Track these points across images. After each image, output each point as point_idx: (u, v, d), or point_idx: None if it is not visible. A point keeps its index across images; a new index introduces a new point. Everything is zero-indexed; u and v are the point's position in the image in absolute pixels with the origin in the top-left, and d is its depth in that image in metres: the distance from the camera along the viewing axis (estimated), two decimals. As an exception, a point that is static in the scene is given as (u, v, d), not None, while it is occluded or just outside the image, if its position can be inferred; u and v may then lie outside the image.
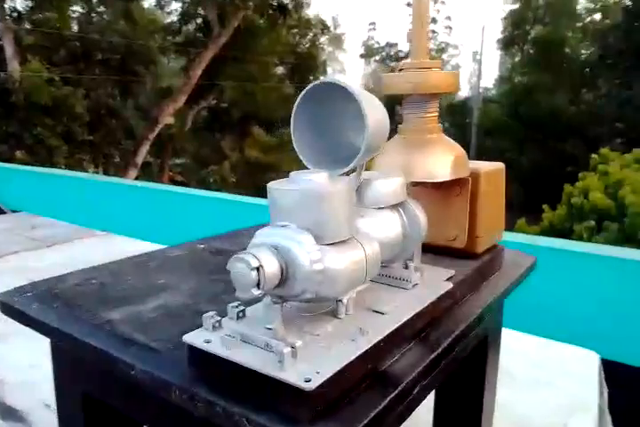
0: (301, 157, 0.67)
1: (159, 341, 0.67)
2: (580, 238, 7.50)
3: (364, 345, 0.58)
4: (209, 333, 0.60)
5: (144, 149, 15.20)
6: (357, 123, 0.61)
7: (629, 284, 2.13)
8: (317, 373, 0.53)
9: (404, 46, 21.69)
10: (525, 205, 14.27)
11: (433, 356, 0.65)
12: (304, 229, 0.56)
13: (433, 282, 0.75)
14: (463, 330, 0.73)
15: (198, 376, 0.60)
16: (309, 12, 18.80)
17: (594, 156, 10.34)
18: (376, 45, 21.96)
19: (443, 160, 0.84)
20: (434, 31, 21.04)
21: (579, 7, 18.51)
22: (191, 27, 16.67)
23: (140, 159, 15.21)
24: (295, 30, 18.21)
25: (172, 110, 15.29)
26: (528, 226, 10.24)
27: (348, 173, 0.65)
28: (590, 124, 16.14)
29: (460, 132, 18.34)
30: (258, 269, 0.53)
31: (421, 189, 0.93)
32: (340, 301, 0.62)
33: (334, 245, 0.57)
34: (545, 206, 9.81)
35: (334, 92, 0.62)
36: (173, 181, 16.78)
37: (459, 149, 0.88)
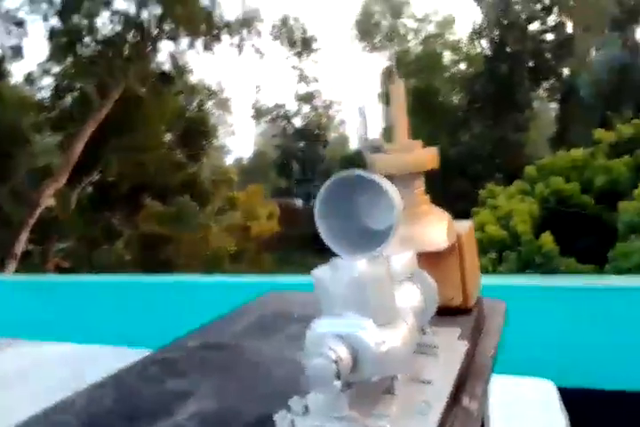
0: (330, 244, 0.69)
1: None
2: (486, 271, 8.04)
3: (435, 418, 0.61)
4: None
5: (23, 237, 14.03)
6: (380, 208, 0.65)
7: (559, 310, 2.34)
8: None
9: (291, 106, 22.91)
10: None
11: (475, 416, 0.70)
12: (362, 315, 0.59)
13: (449, 343, 0.80)
14: (484, 388, 0.78)
15: None
16: (193, 79, 19.23)
17: (481, 191, 11.35)
18: (265, 107, 22.95)
19: (439, 229, 0.92)
20: (318, 90, 22.42)
21: (445, 60, 20.89)
22: (67, 101, 16.18)
23: (19, 249, 13.95)
24: (181, 97, 18.44)
25: (52, 191, 14.37)
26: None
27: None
28: (470, 162, 17.82)
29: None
30: (336, 361, 0.54)
31: (418, 257, 1.00)
32: (395, 377, 0.64)
33: (387, 325, 0.60)
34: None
35: (356, 182, 0.66)
36: (60, 269, 15.52)
37: (447, 216, 0.97)
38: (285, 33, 19.70)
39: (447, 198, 17.62)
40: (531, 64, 19.17)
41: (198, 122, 18.01)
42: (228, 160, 25.63)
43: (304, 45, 20.53)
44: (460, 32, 21.32)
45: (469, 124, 19.18)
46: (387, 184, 0.65)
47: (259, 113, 22.54)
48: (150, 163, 16.24)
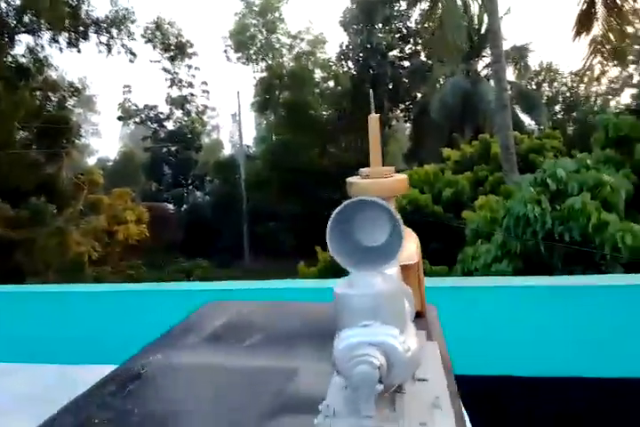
0: (341, 263, 0.72)
1: None
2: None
3: (450, 409, 0.69)
4: None
5: None
6: (375, 228, 0.72)
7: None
8: None
9: (163, 108, 22.15)
10: (300, 250, 15.62)
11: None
12: (386, 324, 0.64)
13: (423, 343, 0.85)
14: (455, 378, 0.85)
15: None
16: (54, 75, 17.78)
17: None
18: (134, 107, 21.93)
19: (411, 245, 1.04)
20: (192, 94, 22.13)
21: (316, 76, 21.94)
22: None
23: None
24: (40, 93, 16.94)
25: None
26: (307, 268, 11.26)
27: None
28: (339, 173, 18.95)
29: (231, 187, 19.40)
30: (379, 367, 0.59)
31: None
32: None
33: (404, 332, 0.66)
34: (317, 248, 10.94)
35: (362, 205, 0.71)
36: None
37: (414, 234, 1.07)
38: (159, 36, 19.15)
39: (320, 206, 18.10)
40: (390, 87, 21.01)
41: (58, 120, 16.63)
42: (92, 161, 24.01)
43: (178, 49, 20.15)
44: (330, 51, 22.69)
45: (338, 137, 20.43)
46: (393, 210, 0.70)
47: (127, 114, 21.50)
48: (1, 162, 14.58)
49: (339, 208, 0.71)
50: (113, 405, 0.87)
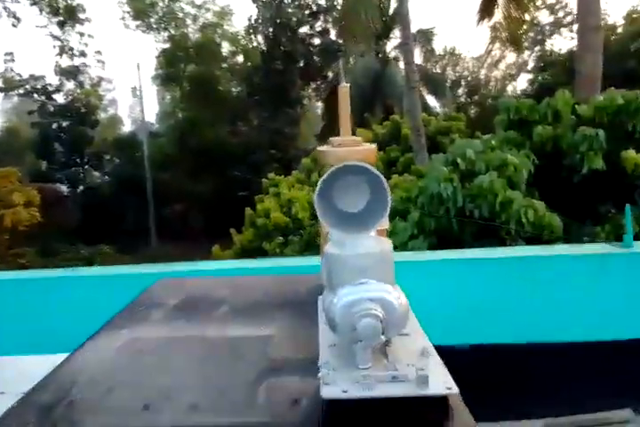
0: (329, 226, 0.77)
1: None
2: (274, 254, 8.62)
3: (437, 357, 0.74)
4: (334, 388, 0.66)
5: None
6: (357, 194, 0.76)
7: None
8: (448, 387, 0.67)
9: (52, 79, 20.09)
10: (212, 232, 15.20)
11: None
12: (382, 282, 0.69)
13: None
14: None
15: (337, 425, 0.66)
16: None
17: (265, 180, 11.98)
18: (17, 78, 19.67)
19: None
20: (85, 64, 20.25)
21: (224, 50, 21.06)
22: None
23: None
24: None
25: None
26: (222, 251, 10.99)
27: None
28: (249, 152, 18.53)
29: (133, 166, 18.23)
30: (382, 320, 0.65)
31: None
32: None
33: (395, 289, 0.71)
34: (232, 230, 10.70)
35: (350, 171, 0.76)
36: None
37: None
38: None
39: (230, 186, 17.81)
40: (301, 64, 20.75)
41: None
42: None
43: (68, 14, 18.27)
44: (238, 25, 21.86)
45: (248, 115, 19.87)
46: (379, 173, 0.77)
47: (9, 85, 19.25)
48: None
49: (326, 174, 0.75)
50: (92, 377, 0.87)
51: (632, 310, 3.18)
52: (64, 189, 18.67)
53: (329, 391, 0.66)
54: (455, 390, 0.67)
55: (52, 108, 19.51)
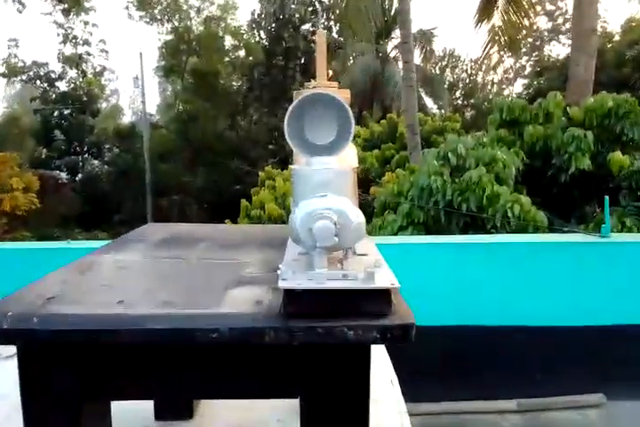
0: (296, 149, 0.83)
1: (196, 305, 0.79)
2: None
3: (387, 270, 0.83)
4: (290, 282, 0.74)
5: None
6: (337, 120, 0.81)
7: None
8: (391, 283, 0.76)
9: (55, 66, 20.13)
10: (209, 222, 15.25)
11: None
12: (340, 196, 0.76)
13: (371, 246, 1.03)
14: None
15: (293, 314, 0.73)
16: None
17: (261, 173, 12.16)
18: (21, 64, 19.72)
19: (353, 151, 1.15)
20: (89, 53, 20.32)
21: (226, 44, 21.14)
22: None
23: None
24: None
25: None
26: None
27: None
28: (248, 146, 18.69)
29: (133, 158, 18.34)
30: (335, 223, 0.72)
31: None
32: (352, 247, 0.83)
33: (354, 205, 0.78)
34: (227, 221, 10.87)
35: (317, 99, 0.81)
36: None
37: (353, 145, 1.15)
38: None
39: (228, 179, 17.84)
40: (302, 61, 20.88)
41: None
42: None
43: (73, 2, 18.35)
44: (241, 19, 21.92)
45: (248, 109, 20.00)
46: (343, 101, 0.82)
47: (12, 71, 19.29)
48: None
49: (296, 102, 0.79)
50: (74, 282, 0.93)
51: (609, 296, 3.38)
52: (63, 176, 18.74)
53: (285, 284, 0.74)
54: (397, 285, 0.74)
55: (53, 96, 19.57)
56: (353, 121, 0.81)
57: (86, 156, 19.85)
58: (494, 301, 3.49)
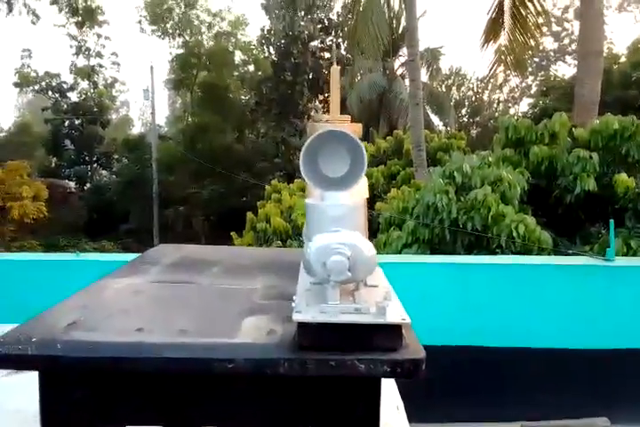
0: (310, 182, 0.86)
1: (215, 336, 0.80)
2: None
3: (397, 302, 0.85)
4: (305, 315, 0.76)
5: None
6: (350, 155, 0.85)
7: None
8: (402, 318, 0.77)
9: (67, 77, 20.44)
10: (214, 235, 15.36)
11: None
12: (352, 230, 0.78)
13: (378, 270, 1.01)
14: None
15: (306, 346, 0.75)
16: None
17: (267, 186, 12.23)
18: (33, 74, 20.05)
19: (364, 181, 1.12)
20: (100, 65, 20.67)
21: (236, 58, 21.44)
22: None
23: None
24: None
25: None
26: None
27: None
28: (255, 159, 18.83)
29: (141, 168, 18.50)
30: (349, 258, 0.74)
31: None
32: (364, 280, 0.85)
33: (365, 239, 0.81)
34: (233, 234, 10.91)
35: (332, 136, 0.84)
36: None
37: (364, 177, 1.13)
38: (67, -2, 17.63)
39: (234, 191, 17.92)
40: (310, 77, 21.13)
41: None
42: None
43: (87, 15, 18.72)
44: (251, 34, 22.26)
45: (256, 123, 20.21)
46: (358, 139, 0.86)
47: (25, 80, 19.62)
48: None
49: (311, 138, 0.83)
50: (93, 307, 0.96)
51: (612, 320, 3.38)
52: (72, 185, 18.92)
53: (299, 316, 0.75)
54: (408, 321, 0.76)
55: (65, 106, 19.85)
56: (365, 157, 0.84)
57: (95, 165, 20.06)
58: (495, 322, 3.48)
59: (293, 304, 0.78)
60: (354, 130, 1.08)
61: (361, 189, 1.01)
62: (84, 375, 0.83)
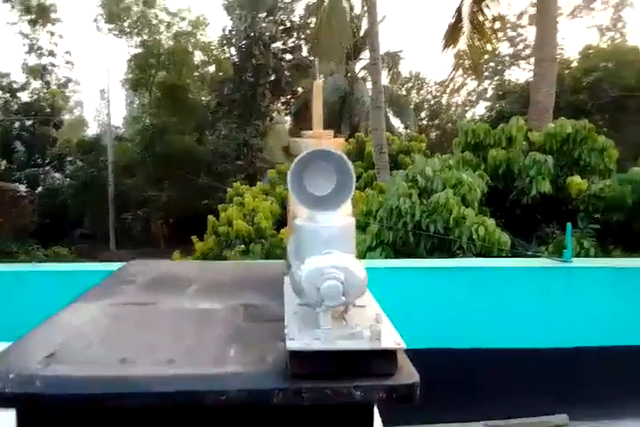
0: (299, 201, 0.85)
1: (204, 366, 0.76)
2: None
3: (389, 324, 0.83)
4: (299, 342, 0.74)
5: None
6: (338, 173, 0.84)
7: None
8: (397, 342, 0.76)
9: (18, 77, 19.60)
10: (174, 239, 15.03)
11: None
12: (344, 252, 0.76)
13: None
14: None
15: (300, 374, 0.72)
16: None
17: (229, 189, 12.07)
18: (-21, 73, 19.16)
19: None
20: (53, 64, 19.91)
21: (196, 59, 21.11)
22: None
23: None
24: None
25: None
26: (183, 258, 10.93)
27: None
28: (217, 161, 18.58)
29: (97, 171, 17.93)
30: (343, 282, 0.72)
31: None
32: (354, 301, 0.81)
33: (356, 260, 0.79)
34: (193, 238, 10.68)
35: (320, 156, 0.84)
36: None
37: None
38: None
39: (194, 194, 17.62)
40: (272, 78, 21.04)
41: None
42: None
43: (40, 13, 18.02)
44: (212, 35, 21.95)
45: (217, 124, 19.95)
46: (346, 158, 0.85)
47: (-30, 79, 18.75)
48: None
49: (298, 158, 0.82)
50: (71, 335, 0.90)
51: (570, 319, 3.48)
52: (22, 189, 18.16)
53: (294, 344, 0.73)
54: (403, 345, 0.76)
55: (15, 107, 19.05)
56: (354, 176, 0.83)
57: (48, 168, 19.31)
58: (456, 324, 3.52)
59: (285, 331, 0.77)
60: (337, 145, 1.09)
61: (348, 208, 1.00)
62: (66, 414, 0.78)
